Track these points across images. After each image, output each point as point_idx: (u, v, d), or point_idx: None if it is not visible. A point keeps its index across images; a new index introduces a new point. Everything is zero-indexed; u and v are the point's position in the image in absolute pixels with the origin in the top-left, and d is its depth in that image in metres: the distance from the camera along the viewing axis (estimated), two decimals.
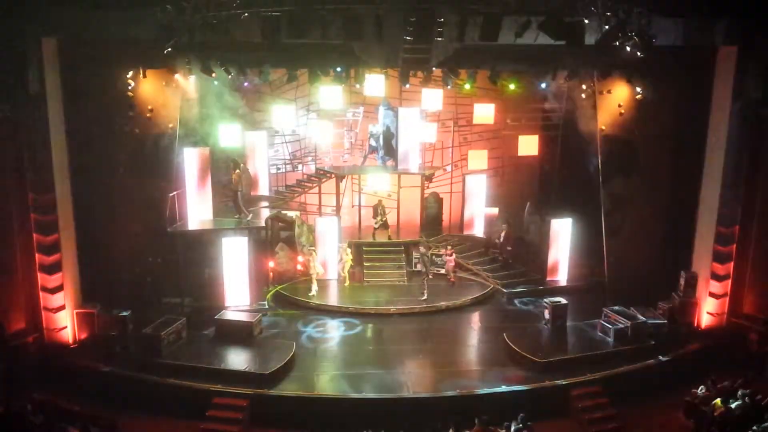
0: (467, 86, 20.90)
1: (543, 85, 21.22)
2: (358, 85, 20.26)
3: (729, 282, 17.89)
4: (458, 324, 19.09)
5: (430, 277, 20.20)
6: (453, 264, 21.05)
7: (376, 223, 22.36)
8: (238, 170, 19.23)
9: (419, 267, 20.79)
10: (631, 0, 14.86)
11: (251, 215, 19.61)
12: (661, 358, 16.37)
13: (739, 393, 14.08)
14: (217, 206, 19.97)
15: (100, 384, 15.50)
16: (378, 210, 22.37)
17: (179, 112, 18.16)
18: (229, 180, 19.49)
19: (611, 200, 18.98)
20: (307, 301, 19.78)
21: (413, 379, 15.75)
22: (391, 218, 23.09)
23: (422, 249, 20.57)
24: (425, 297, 19.68)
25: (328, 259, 21.13)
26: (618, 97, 18.71)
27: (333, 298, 20.15)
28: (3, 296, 16.17)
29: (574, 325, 17.90)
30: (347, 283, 20.94)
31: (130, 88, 17.32)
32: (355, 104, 23.11)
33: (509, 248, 21.82)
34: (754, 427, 12.92)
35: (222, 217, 19.80)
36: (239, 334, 16.88)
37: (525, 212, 22.47)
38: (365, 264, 21.56)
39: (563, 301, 18.02)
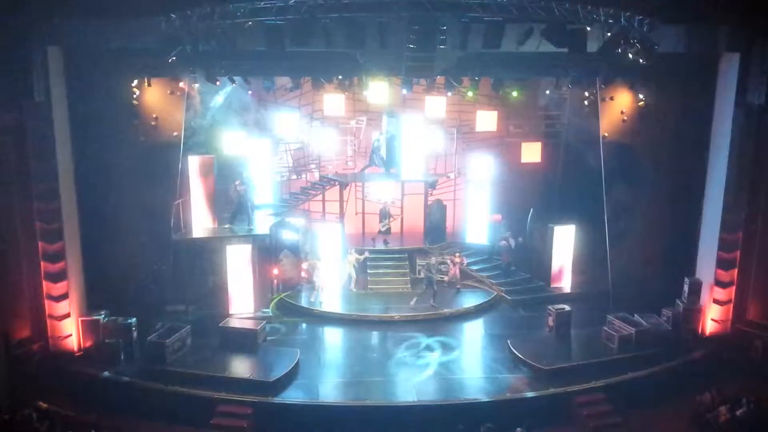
0: (470, 94, 20.98)
1: (546, 92, 21.32)
2: (365, 92, 20.32)
3: (733, 289, 17.86)
4: (462, 331, 19.08)
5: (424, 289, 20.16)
6: (457, 271, 21.04)
7: (383, 226, 22.37)
8: (239, 181, 19.46)
9: (423, 274, 20.79)
10: (633, 7, 14.92)
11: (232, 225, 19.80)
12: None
13: (744, 400, 14.05)
14: (221, 214, 20.05)
15: (105, 391, 15.55)
16: (384, 214, 22.40)
17: (184, 119, 18.24)
18: (235, 190, 19.66)
19: (614, 207, 18.98)
20: (311, 309, 19.79)
21: (417, 386, 15.73)
22: (396, 225, 23.12)
23: (433, 260, 20.50)
24: (435, 303, 19.76)
25: (332, 266, 21.13)
26: (620, 104, 18.75)
27: (337, 305, 20.14)
28: (8, 304, 16.22)
29: (578, 332, 17.87)
30: (351, 287, 20.93)
31: (134, 96, 17.44)
32: (359, 112, 23.18)
33: (513, 255, 21.80)
34: None
35: (227, 225, 19.87)
36: (243, 342, 16.87)
37: (528, 219, 22.47)
38: (369, 271, 21.56)
39: (567, 308, 18.01)
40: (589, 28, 14.83)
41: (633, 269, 18.95)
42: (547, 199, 23.48)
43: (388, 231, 22.52)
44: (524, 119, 23.39)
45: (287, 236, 21.56)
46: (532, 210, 22.55)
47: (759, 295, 17.81)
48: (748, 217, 17.53)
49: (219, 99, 20.20)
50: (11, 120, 15.89)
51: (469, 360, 17.58)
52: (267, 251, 20.60)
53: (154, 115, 17.84)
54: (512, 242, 21.64)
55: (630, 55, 15.15)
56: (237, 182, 19.88)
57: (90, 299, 17.53)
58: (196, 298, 19.40)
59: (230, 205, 20.21)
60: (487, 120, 22.79)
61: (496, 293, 20.97)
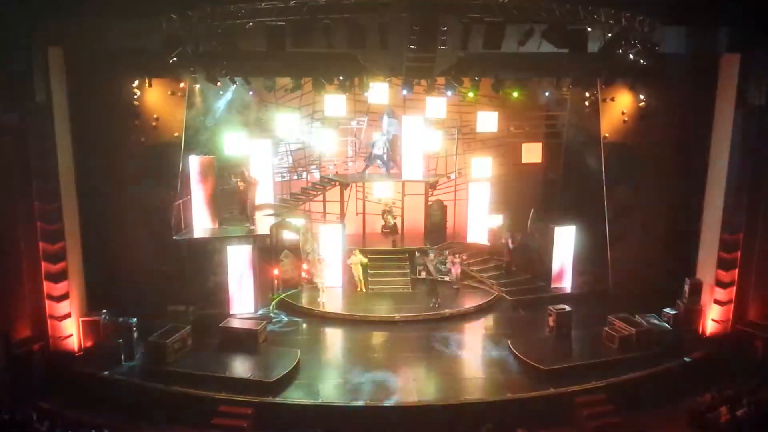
0: (471, 94, 20.99)
1: (546, 93, 21.33)
2: (366, 93, 20.36)
3: (734, 289, 17.85)
4: (462, 331, 19.07)
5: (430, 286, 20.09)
6: (459, 271, 21.06)
7: (388, 224, 22.36)
8: (242, 179, 19.45)
9: (424, 274, 20.80)
10: (634, 8, 14.93)
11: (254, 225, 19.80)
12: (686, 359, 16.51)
13: (744, 400, 14.04)
14: (222, 214, 20.07)
15: (106, 392, 15.53)
16: (385, 213, 22.41)
17: (184, 120, 18.27)
18: (236, 189, 19.68)
19: (615, 207, 18.99)
20: (312, 309, 19.79)
21: (418, 386, 15.73)
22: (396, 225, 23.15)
23: (431, 256, 20.49)
24: (437, 304, 19.75)
25: (332, 266, 21.13)
26: (621, 105, 18.76)
27: (338, 306, 20.15)
28: (9, 304, 16.20)
29: (578, 332, 17.86)
30: (360, 289, 20.91)
31: (135, 97, 17.48)
32: (360, 112, 23.20)
33: (513, 255, 21.82)
34: None
35: (227, 225, 19.88)
36: (244, 342, 16.86)
37: (529, 219, 22.48)
38: (369, 271, 21.55)
39: (568, 308, 17.99)
40: (589, 29, 14.84)
41: (634, 269, 18.95)
42: (547, 200, 23.52)
43: (394, 230, 22.51)
44: (525, 120, 23.43)
45: (288, 236, 21.59)
46: (532, 210, 22.56)
47: (759, 296, 17.81)
48: (748, 217, 17.53)
49: (221, 99, 20.24)
50: (12, 120, 15.88)
51: (470, 360, 17.57)
52: (267, 251, 20.64)
53: (154, 116, 17.87)
54: (510, 242, 21.66)
55: (631, 56, 15.17)
56: (238, 180, 19.88)
57: (90, 299, 17.55)
58: (196, 299, 19.40)
59: (231, 205, 20.20)
60: (487, 120, 22.82)
61: (496, 293, 20.96)
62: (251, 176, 20.06)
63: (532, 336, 18.10)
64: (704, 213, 18.39)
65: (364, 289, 20.91)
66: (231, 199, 20.21)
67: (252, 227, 19.65)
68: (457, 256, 21.19)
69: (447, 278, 21.17)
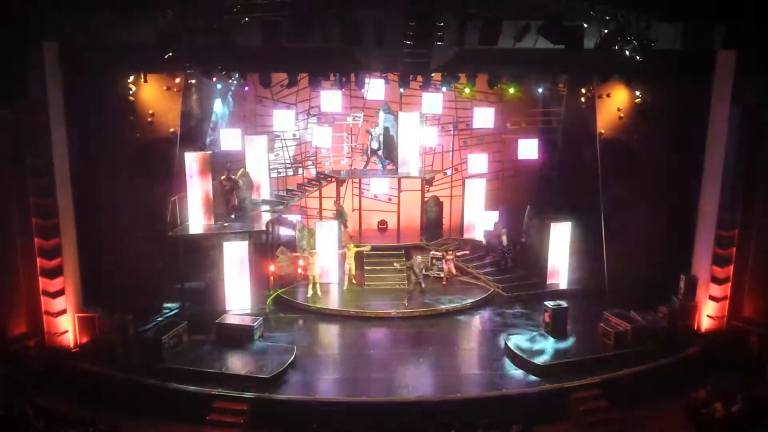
0: (467, 90, 20.99)
1: (541, 90, 21.34)
2: (362, 88, 20.33)
3: (729, 285, 17.87)
4: (459, 327, 19.10)
5: (411, 288, 19.96)
6: (451, 267, 21.07)
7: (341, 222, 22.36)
8: (224, 177, 19.50)
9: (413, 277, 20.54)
10: (630, 4, 14.94)
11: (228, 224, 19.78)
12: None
13: (739, 396, 14.09)
14: (218, 210, 20.05)
15: (101, 388, 15.52)
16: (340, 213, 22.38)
17: (180, 116, 18.22)
18: (225, 186, 19.68)
19: (611, 204, 19.00)
20: (308, 305, 19.78)
21: (414, 382, 15.75)
22: (392, 222, 23.13)
23: (419, 259, 20.34)
24: (407, 304, 19.68)
25: (328, 262, 21.12)
26: (617, 101, 18.77)
27: (334, 302, 20.16)
28: (4, 300, 16.20)
29: (574, 328, 17.90)
30: (351, 283, 20.91)
31: (131, 92, 17.41)
32: (356, 108, 23.18)
33: (509, 252, 21.83)
34: None
35: (222, 222, 19.86)
36: (240, 338, 16.88)
37: (525, 216, 22.51)
38: (366, 268, 21.56)
39: (563, 304, 18.02)
40: (585, 25, 14.84)
41: (629, 265, 18.96)
42: (543, 196, 23.55)
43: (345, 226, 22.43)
44: (521, 116, 23.45)
45: (284, 232, 21.56)
46: (528, 206, 22.59)
47: (754, 292, 17.86)
48: (744, 213, 17.56)
49: (217, 95, 20.22)
50: (7, 115, 15.83)
51: (466, 356, 17.60)
52: (263, 248, 20.61)
53: (150, 111, 17.81)
54: (505, 239, 21.67)
55: (627, 52, 15.16)
56: (223, 178, 19.85)
57: (86, 295, 17.48)
58: (192, 295, 19.38)
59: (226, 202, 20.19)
60: (484, 116, 22.85)
61: (492, 289, 20.99)
62: (247, 175, 20.03)
63: (528, 332, 18.10)
64: (700, 209, 18.37)
65: (354, 282, 20.84)
66: (223, 197, 20.18)
67: (224, 225, 19.57)
68: (449, 253, 21.21)
69: (441, 274, 21.18)
